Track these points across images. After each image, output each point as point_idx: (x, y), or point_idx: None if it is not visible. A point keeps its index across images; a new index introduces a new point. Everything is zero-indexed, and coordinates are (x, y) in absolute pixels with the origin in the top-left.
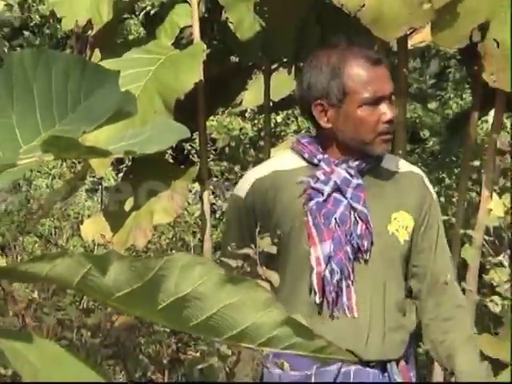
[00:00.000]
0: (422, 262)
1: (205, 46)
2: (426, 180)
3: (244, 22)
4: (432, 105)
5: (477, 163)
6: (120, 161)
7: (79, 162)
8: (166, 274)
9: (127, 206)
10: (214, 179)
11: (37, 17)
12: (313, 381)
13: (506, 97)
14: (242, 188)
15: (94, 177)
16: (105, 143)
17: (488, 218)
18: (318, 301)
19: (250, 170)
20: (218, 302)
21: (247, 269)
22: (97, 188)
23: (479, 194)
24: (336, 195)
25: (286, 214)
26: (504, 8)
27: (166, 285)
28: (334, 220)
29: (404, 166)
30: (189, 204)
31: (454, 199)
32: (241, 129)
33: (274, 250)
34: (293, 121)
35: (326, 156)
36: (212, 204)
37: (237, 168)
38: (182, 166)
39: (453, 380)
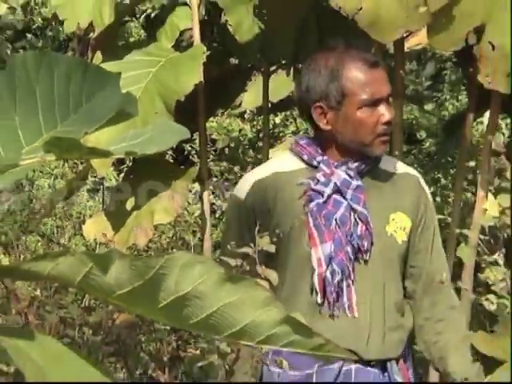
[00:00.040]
0: (418, 263)
1: (205, 48)
2: (422, 181)
3: (243, 24)
4: (428, 106)
5: (472, 164)
6: (121, 161)
7: (81, 163)
8: (166, 272)
9: (128, 206)
10: (214, 179)
11: (39, 19)
12: (314, 380)
13: (500, 98)
14: (242, 189)
15: (95, 177)
16: (106, 144)
17: (483, 217)
18: (319, 301)
19: (249, 171)
20: (218, 300)
21: (246, 268)
22: (98, 188)
23: (475, 194)
24: (336, 196)
25: (286, 215)
26: (499, 11)
27: (167, 283)
28: (334, 221)
29: (401, 167)
30: (189, 204)
31: (450, 199)
32: (240, 130)
33: (272, 248)
34: (291, 122)
35: (325, 158)
36: (212, 204)
37: (236, 168)
38: (183, 167)
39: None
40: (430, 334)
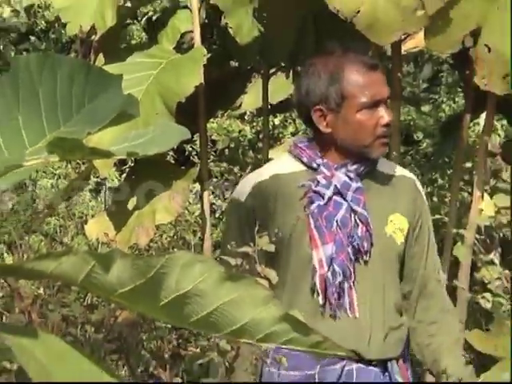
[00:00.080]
0: (414, 265)
1: (205, 51)
2: (418, 184)
3: (243, 27)
4: (425, 108)
5: (469, 164)
6: (123, 162)
7: (83, 163)
8: (167, 271)
9: (130, 206)
10: (214, 180)
11: (42, 22)
12: (316, 380)
13: (496, 100)
14: (242, 192)
15: (97, 177)
16: (108, 145)
17: (479, 217)
18: (321, 302)
19: (249, 171)
20: (218, 298)
21: (246, 267)
22: (100, 188)
23: (471, 194)
24: (336, 198)
25: (287, 216)
26: (495, 14)
27: (168, 282)
28: (335, 223)
29: (397, 169)
30: (189, 204)
31: (447, 199)
32: (240, 131)
33: (272, 248)
34: (290, 123)
35: (325, 160)
36: (212, 204)
37: (236, 169)
38: (183, 167)
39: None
40: (422, 336)
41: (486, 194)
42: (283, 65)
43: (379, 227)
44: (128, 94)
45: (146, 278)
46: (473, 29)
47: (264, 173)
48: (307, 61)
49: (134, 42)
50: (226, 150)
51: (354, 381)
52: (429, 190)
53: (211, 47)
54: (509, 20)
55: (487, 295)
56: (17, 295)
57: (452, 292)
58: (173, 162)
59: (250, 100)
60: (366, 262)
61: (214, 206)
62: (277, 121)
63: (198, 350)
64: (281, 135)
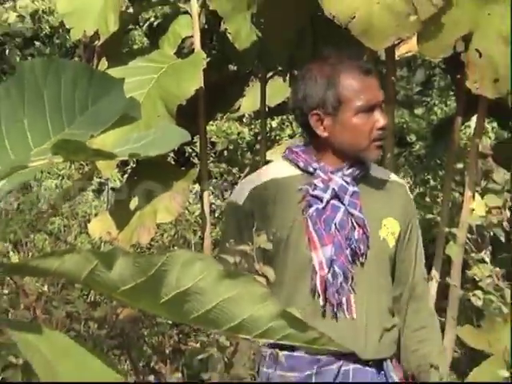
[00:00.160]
0: (404, 268)
1: (205, 55)
2: (408, 191)
3: (241, 32)
4: (418, 111)
5: (460, 166)
6: (125, 163)
7: (87, 164)
8: (168, 269)
9: (132, 206)
10: (214, 180)
11: (47, 27)
12: (313, 380)
13: (487, 103)
14: (240, 196)
15: (100, 178)
16: (111, 146)
17: (471, 217)
18: (321, 303)
19: (247, 172)
20: (217, 295)
21: (245, 265)
22: (103, 188)
23: (462, 194)
24: (334, 202)
25: (285, 219)
26: (486, 20)
27: (168, 279)
28: (333, 225)
29: (389, 175)
30: (189, 203)
31: (439, 199)
32: (238, 133)
33: (270, 246)
34: (287, 125)
35: (321, 164)
36: (211, 203)
37: (235, 170)
38: (183, 168)
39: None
40: (411, 340)
41: (477, 195)
42: (280, 69)
43: (374, 230)
44: (130, 97)
45: (148, 275)
46: (464, 34)
47: (261, 177)
48: (304, 66)
49: (135, 46)
50: (225, 152)
51: (351, 381)
52: (421, 190)
53: (211, 52)
54: (509, 22)
55: (478, 293)
56: (22, 292)
57: (444, 289)
58: (173, 163)
59: (248, 103)
60: (362, 264)
61: (213, 206)
62: (274, 123)
63: (198, 345)
64: (278, 137)
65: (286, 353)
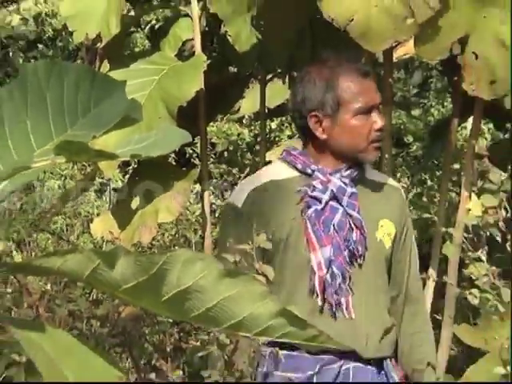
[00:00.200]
0: (400, 269)
1: (205, 58)
2: (403, 194)
3: (241, 35)
4: (415, 112)
5: (457, 166)
6: (126, 163)
7: (89, 165)
8: (169, 268)
9: (133, 206)
10: (214, 180)
11: (50, 30)
12: (315, 380)
13: (483, 105)
14: (238, 198)
15: (102, 178)
16: (113, 147)
17: (467, 216)
18: (320, 303)
19: (247, 173)
20: (218, 294)
21: (244, 264)
22: (105, 189)
23: (459, 194)
24: (332, 203)
25: (284, 221)
26: (482, 23)
27: (169, 278)
28: (332, 226)
29: (385, 178)
30: (190, 203)
31: (436, 199)
32: (238, 134)
33: (269, 245)
34: (287, 127)
35: (320, 166)
36: (212, 203)
37: (235, 170)
38: (184, 169)
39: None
40: (406, 344)
41: (473, 195)
42: (280, 71)
43: (371, 232)
44: (131, 99)
45: (149, 274)
46: (461, 37)
47: (260, 178)
48: (302, 69)
49: (137, 49)
50: (225, 153)
51: (351, 380)
52: (419, 190)
53: (211, 54)
54: (509, 23)
55: (475, 291)
56: (25, 291)
57: (441, 288)
58: (174, 163)
59: (248, 104)
60: (360, 265)
61: (213, 206)
62: (274, 124)
63: (199, 343)
64: (277, 138)
65: (285, 352)
